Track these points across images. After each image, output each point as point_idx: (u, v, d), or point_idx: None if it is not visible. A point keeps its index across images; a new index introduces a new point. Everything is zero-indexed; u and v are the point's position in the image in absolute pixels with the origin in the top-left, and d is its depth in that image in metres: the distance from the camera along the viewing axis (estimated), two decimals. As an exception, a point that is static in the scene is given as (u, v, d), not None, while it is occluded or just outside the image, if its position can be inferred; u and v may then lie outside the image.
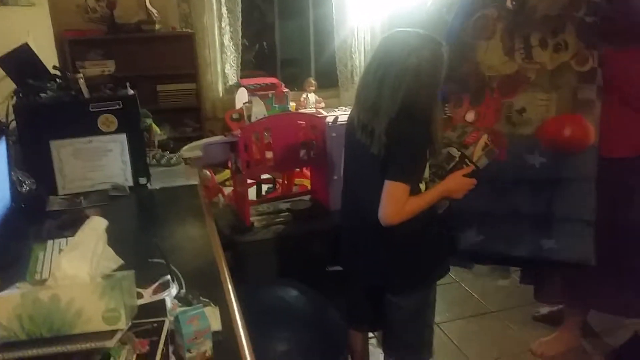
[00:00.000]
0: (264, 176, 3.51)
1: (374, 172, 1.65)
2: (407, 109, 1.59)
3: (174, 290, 1.32)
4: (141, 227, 1.92)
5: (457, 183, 1.75)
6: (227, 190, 3.22)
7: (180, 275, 1.40)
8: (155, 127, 3.12)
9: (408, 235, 1.68)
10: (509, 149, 1.93)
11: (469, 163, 1.78)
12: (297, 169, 3.28)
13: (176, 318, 1.11)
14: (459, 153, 1.79)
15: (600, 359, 2.42)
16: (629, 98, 1.86)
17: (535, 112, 1.91)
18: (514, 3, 1.94)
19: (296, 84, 5.20)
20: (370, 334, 2.33)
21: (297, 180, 3.61)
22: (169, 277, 1.37)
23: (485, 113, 1.97)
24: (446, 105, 2.00)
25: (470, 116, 2.00)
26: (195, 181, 2.22)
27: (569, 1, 1.87)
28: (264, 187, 3.68)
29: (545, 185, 1.91)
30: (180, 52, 4.50)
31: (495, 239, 2.01)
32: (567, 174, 1.88)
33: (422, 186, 1.71)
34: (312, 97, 5.06)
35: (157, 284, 1.36)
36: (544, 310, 2.69)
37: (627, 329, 2.47)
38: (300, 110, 4.94)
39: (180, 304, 1.28)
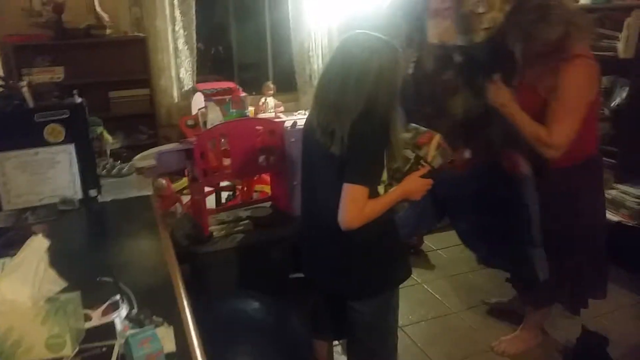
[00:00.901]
0: (223, 183, 3.43)
1: (333, 174, 1.62)
2: (368, 111, 1.58)
3: (124, 310, 1.26)
4: (91, 243, 1.84)
5: (414, 184, 1.75)
6: (186, 199, 3.13)
7: (131, 294, 1.33)
8: (106, 136, 3.01)
9: (367, 239, 1.66)
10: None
11: (424, 164, 1.78)
12: (257, 176, 3.22)
13: (126, 341, 1.05)
14: (414, 154, 1.79)
15: (558, 356, 2.46)
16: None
17: None
18: None
19: (255, 88, 5.13)
20: (335, 342, 2.30)
21: (257, 187, 3.55)
22: (118, 296, 1.30)
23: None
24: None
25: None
26: (148, 192, 2.15)
27: None
28: (224, 195, 3.60)
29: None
30: (133, 57, 4.37)
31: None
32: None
33: (381, 189, 1.69)
34: (271, 101, 5.01)
35: (106, 304, 1.29)
36: (495, 299, 2.75)
37: (578, 324, 2.52)
38: (260, 115, 4.88)
39: (131, 324, 1.22)
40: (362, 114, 1.57)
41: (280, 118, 4.83)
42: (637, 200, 3.00)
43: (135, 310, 1.27)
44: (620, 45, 3.07)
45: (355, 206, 1.57)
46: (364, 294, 1.78)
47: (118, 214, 2.00)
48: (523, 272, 2.20)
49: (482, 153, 2.19)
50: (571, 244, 2.17)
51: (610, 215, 3.10)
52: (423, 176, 1.76)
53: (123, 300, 1.29)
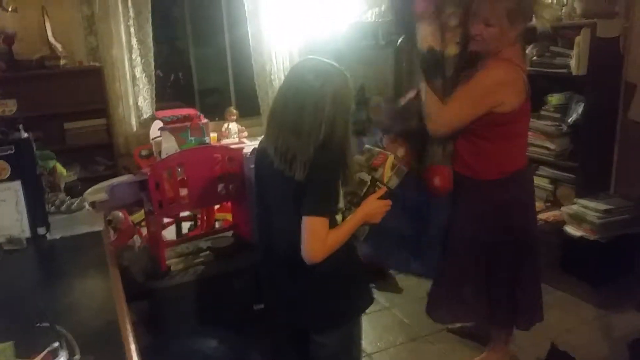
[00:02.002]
0: (184, 213, 3.34)
1: (289, 203, 1.58)
2: (327, 138, 1.55)
3: (63, 357, 1.17)
4: (35, 285, 1.73)
5: (373, 207, 1.72)
6: (145, 230, 3.03)
7: (72, 339, 1.24)
8: (60, 169, 2.90)
9: (327, 269, 1.61)
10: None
11: (380, 185, 1.76)
12: (217, 205, 3.15)
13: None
14: (370, 177, 1.77)
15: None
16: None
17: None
18: None
19: (218, 113, 5.08)
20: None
21: (220, 215, 3.48)
22: (57, 343, 1.21)
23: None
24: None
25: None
26: (99, 227, 2.05)
27: None
28: (185, 225, 3.51)
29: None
30: (89, 86, 4.27)
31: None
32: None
33: (339, 217, 1.66)
34: (234, 126, 4.95)
35: (45, 352, 1.20)
36: (458, 324, 2.71)
37: (546, 340, 2.51)
38: (223, 141, 4.81)
39: (72, 374, 1.13)
40: (322, 141, 1.54)
41: (244, 143, 4.77)
42: (597, 214, 3.03)
43: (78, 357, 1.19)
44: (573, 63, 3.14)
45: (317, 239, 1.54)
46: (326, 326, 1.72)
47: (67, 252, 1.90)
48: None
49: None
50: (504, 258, 2.18)
51: (573, 230, 3.13)
52: (381, 197, 1.74)
53: (62, 346, 1.20)
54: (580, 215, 3.10)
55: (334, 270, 1.63)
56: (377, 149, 1.86)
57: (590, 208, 3.08)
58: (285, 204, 1.61)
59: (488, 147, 2.08)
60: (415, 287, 3.23)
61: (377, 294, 3.12)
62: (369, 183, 1.76)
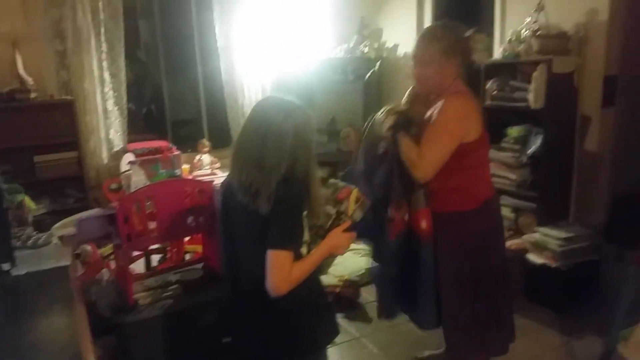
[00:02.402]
0: (154, 246, 3.33)
1: (256, 235, 1.61)
2: (290, 173, 1.60)
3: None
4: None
5: (338, 239, 1.77)
6: (114, 264, 3.02)
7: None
8: (29, 203, 2.88)
9: (291, 301, 1.64)
10: None
11: (345, 218, 1.82)
12: (188, 237, 3.15)
13: None
14: (335, 210, 1.83)
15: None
16: None
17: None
18: None
19: (190, 145, 5.11)
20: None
21: (190, 248, 3.47)
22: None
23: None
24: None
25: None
26: (66, 262, 2.05)
27: None
28: (155, 258, 3.49)
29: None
30: (60, 119, 4.25)
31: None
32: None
33: (304, 250, 1.70)
34: (206, 158, 4.99)
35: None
36: (427, 352, 2.76)
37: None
38: (195, 172, 4.84)
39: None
40: (284, 175, 1.59)
41: (216, 174, 4.80)
42: (558, 242, 3.13)
43: (38, 397, 1.19)
44: (531, 97, 3.29)
45: (282, 271, 1.57)
46: (292, 358, 1.74)
47: (32, 287, 1.89)
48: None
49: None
50: (480, 286, 2.24)
51: (535, 258, 3.23)
52: (345, 230, 1.79)
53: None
54: (542, 244, 3.20)
55: (299, 302, 1.66)
56: (341, 183, 1.93)
57: (551, 236, 3.18)
58: (251, 237, 1.65)
59: (460, 179, 2.15)
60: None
61: (347, 324, 3.15)
62: (334, 216, 1.82)
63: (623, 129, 3.26)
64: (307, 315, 1.73)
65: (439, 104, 2.12)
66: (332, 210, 1.84)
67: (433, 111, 2.14)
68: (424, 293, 2.23)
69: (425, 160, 2.07)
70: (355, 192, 1.86)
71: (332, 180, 1.96)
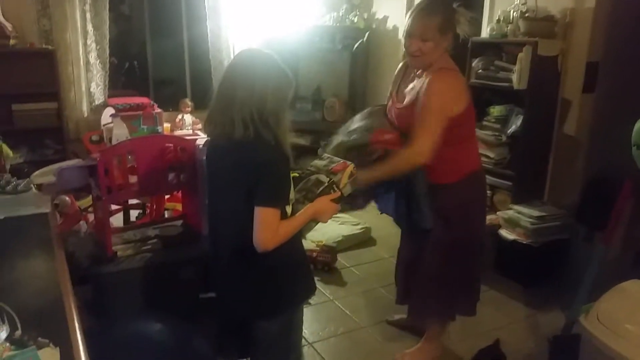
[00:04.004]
0: (132, 201, 3.33)
1: (242, 193, 1.63)
2: (260, 113, 1.60)
3: (4, 332, 1.20)
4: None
5: (325, 206, 1.82)
6: (92, 217, 3.01)
7: (14, 315, 1.26)
8: (7, 150, 2.85)
9: (275, 258, 1.68)
10: None
11: (336, 189, 1.85)
12: (168, 194, 3.16)
13: (3, 364, 1.00)
14: (328, 179, 1.86)
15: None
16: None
17: None
18: None
19: (172, 104, 5.05)
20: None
21: (170, 205, 3.48)
22: (-1, 318, 1.23)
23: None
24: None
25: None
26: (46, 209, 2.05)
27: None
28: (133, 213, 3.50)
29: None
30: (40, 69, 4.16)
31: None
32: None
33: (288, 209, 1.73)
34: (188, 118, 4.95)
35: (-15, 326, 1.22)
36: (397, 316, 2.86)
37: (477, 335, 2.70)
38: (177, 132, 4.79)
39: (13, 346, 1.16)
40: (257, 118, 1.59)
41: (197, 135, 4.77)
42: (530, 220, 3.23)
43: (19, 332, 1.21)
44: (515, 77, 3.33)
45: (269, 229, 1.61)
46: (272, 313, 1.79)
47: (11, 232, 1.89)
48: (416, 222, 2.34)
49: None
50: (458, 255, 2.33)
51: (506, 234, 3.32)
52: (333, 201, 1.83)
53: (3, 321, 1.23)
54: (515, 220, 3.30)
55: (281, 259, 1.70)
56: (336, 158, 1.98)
57: (524, 214, 3.27)
58: (236, 195, 1.67)
59: (448, 151, 2.16)
60: (358, 282, 3.36)
61: (322, 287, 3.23)
62: (326, 184, 1.85)
63: (601, 115, 3.34)
64: (289, 272, 1.77)
65: (424, 80, 2.14)
66: (325, 178, 1.87)
67: (418, 86, 2.16)
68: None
69: (422, 145, 2.09)
70: (350, 168, 1.89)
71: (327, 154, 2.00)
